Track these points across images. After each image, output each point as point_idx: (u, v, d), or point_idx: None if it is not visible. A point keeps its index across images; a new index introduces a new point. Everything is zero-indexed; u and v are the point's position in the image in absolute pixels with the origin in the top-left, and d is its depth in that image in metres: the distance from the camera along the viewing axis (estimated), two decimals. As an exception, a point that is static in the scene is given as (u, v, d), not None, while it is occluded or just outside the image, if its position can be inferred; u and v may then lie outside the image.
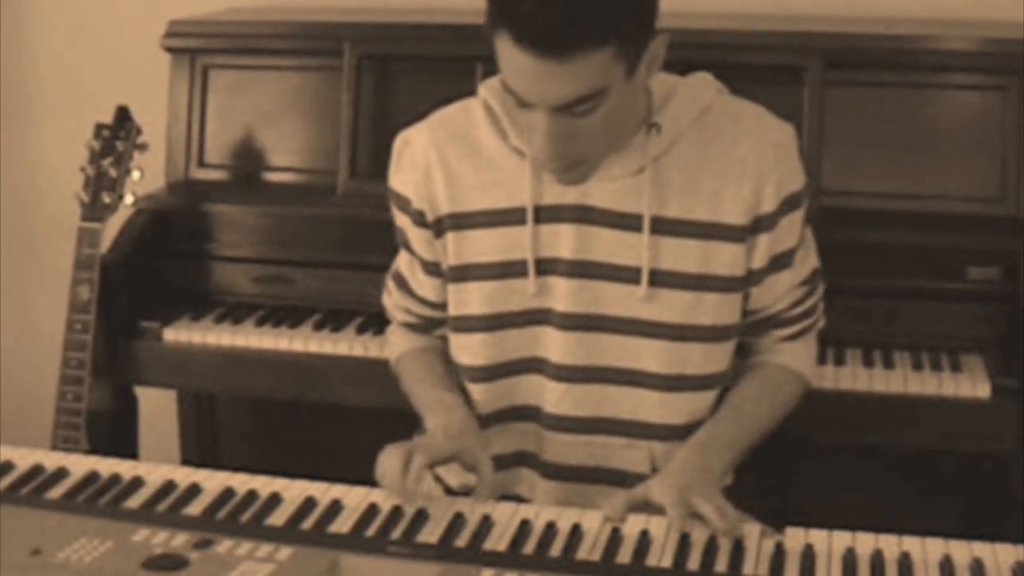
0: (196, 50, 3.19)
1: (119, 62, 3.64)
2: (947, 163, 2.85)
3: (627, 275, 2.07)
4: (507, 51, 1.84)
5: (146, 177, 2.98)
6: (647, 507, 1.94)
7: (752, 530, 1.87)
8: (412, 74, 3.06)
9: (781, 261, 2.12)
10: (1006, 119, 2.80)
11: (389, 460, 1.98)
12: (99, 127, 2.98)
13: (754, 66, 2.82)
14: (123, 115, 2.99)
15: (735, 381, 2.20)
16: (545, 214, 2.08)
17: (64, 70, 3.75)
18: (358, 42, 3.02)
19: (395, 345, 2.38)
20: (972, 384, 2.58)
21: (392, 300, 2.36)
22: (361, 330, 2.89)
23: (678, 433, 2.13)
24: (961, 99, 2.86)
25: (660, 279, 2.06)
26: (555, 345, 2.12)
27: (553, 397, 2.15)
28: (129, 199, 2.95)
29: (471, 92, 2.19)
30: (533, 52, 1.81)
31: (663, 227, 2.05)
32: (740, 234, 2.06)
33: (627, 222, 2.06)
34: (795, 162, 2.10)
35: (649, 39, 1.91)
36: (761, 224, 2.07)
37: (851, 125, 2.87)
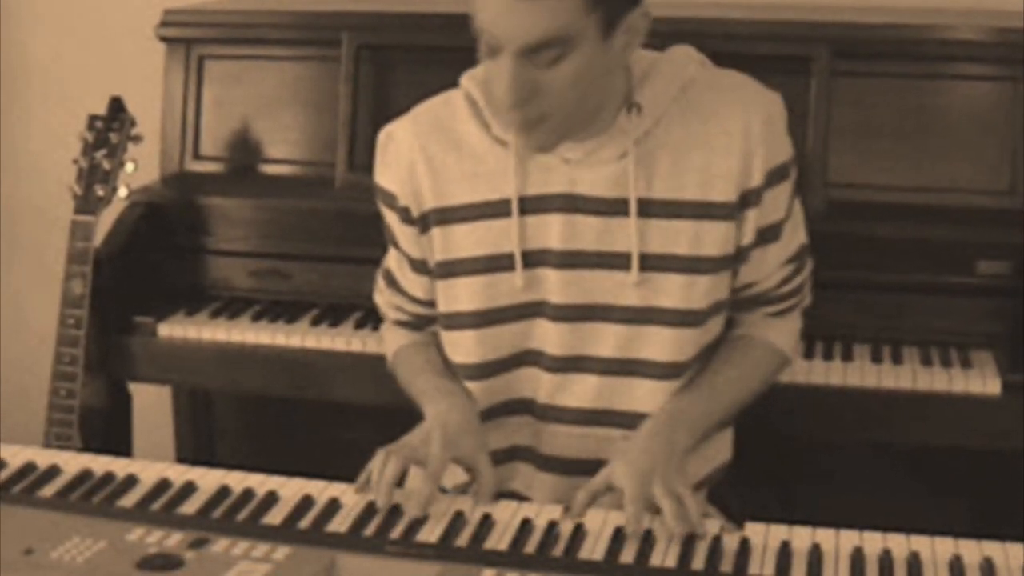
0: (191, 40, 3.19)
1: (113, 52, 3.64)
2: (956, 155, 2.84)
3: (617, 262, 2.06)
4: None
5: (140, 169, 2.98)
6: (610, 491, 1.95)
7: (712, 525, 1.87)
8: (411, 64, 3.06)
9: (768, 234, 2.11)
10: (1016, 110, 2.79)
11: (384, 467, 1.98)
12: (92, 118, 2.97)
13: (760, 56, 2.81)
14: (117, 106, 2.99)
15: (716, 351, 2.19)
16: (531, 205, 2.07)
17: (57, 60, 3.75)
18: (356, 32, 3.02)
19: (390, 343, 2.37)
20: (982, 380, 2.58)
21: (383, 298, 2.36)
22: (359, 325, 2.89)
23: None
24: (970, 90, 2.86)
25: (651, 263, 2.06)
26: (549, 337, 2.12)
27: (548, 388, 2.15)
28: (123, 192, 2.95)
29: (471, 83, 2.18)
30: None
31: (651, 210, 2.04)
32: (730, 211, 2.05)
33: (614, 208, 2.05)
34: (782, 132, 2.08)
35: (629, 5, 1.91)
36: (749, 199, 2.05)
37: (859, 116, 2.87)
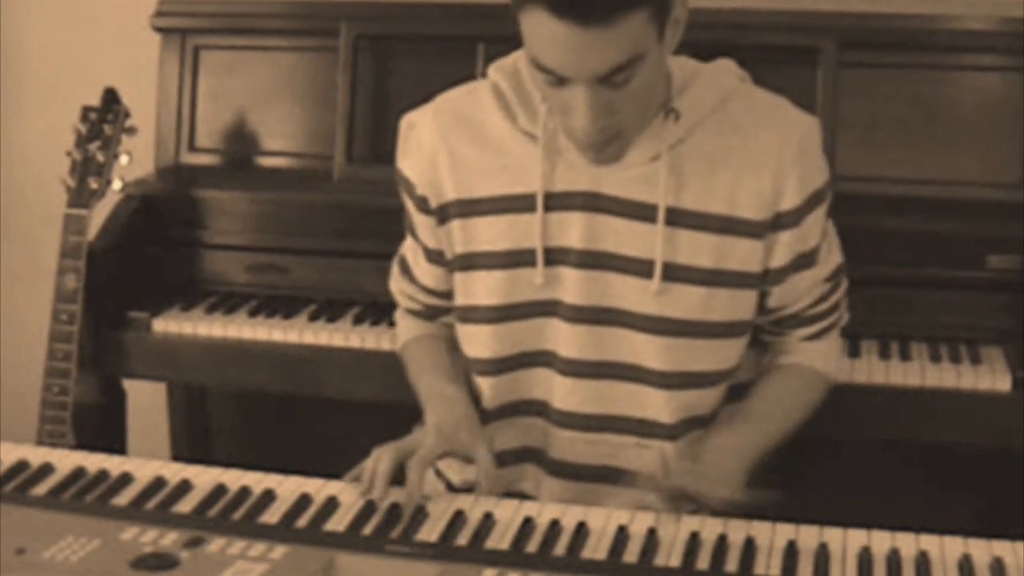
0: (187, 30, 3.19)
1: (107, 42, 3.63)
2: (966, 147, 2.84)
3: (639, 268, 2.06)
4: (542, 26, 1.81)
5: (135, 162, 2.98)
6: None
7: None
8: (411, 55, 3.06)
9: (805, 260, 2.11)
10: (1026, 101, 2.80)
11: (378, 462, 1.98)
12: (86, 110, 2.97)
13: (766, 47, 2.82)
14: (111, 97, 2.98)
15: (758, 381, 2.20)
16: (555, 201, 2.07)
17: (50, 50, 3.74)
18: (355, 21, 3.02)
19: (401, 331, 2.38)
20: (992, 376, 2.57)
21: (397, 286, 2.36)
22: (358, 321, 2.88)
23: (685, 430, 2.13)
24: (980, 81, 2.86)
25: (674, 273, 2.05)
26: (563, 338, 2.11)
27: (561, 392, 2.14)
28: (117, 185, 2.95)
29: (472, 73, 2.19)
30: (572, 22, 1.78)
31: (678, 219, 2.04)
32: (758, 230, 2.05)
33: (640, 212, 2.04)
34: (818, 156, 2.08)
35: (672, 1, 1.90)
36: (783, 221, 2.05)
37: (866, 108, 2.87)
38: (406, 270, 2.31)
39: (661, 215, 2.03)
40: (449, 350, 2.27)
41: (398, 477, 1.98)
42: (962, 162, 2.84)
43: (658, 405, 2.13)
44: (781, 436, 2.15)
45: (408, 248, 2.29)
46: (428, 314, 2.33)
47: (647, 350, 2.09)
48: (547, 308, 2.11)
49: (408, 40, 3.06)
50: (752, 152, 2.03)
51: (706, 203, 2.04)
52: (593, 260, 2.07)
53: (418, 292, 2.30)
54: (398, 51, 3.06)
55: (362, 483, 1.98)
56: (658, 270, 2.04)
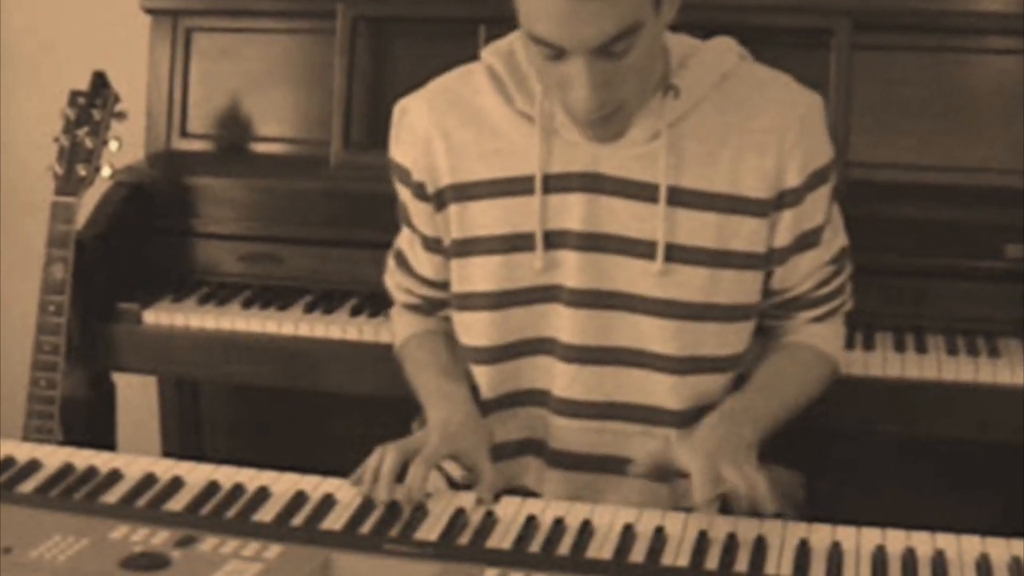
0: (178, 11, 3.18)
1: (96, 24, 3.63)
2: (983, 132, 2.84)
3: (641, 249, 2.06)
4: None
5: (124, 148, 2.97)
6: (668, 472, 1.98)
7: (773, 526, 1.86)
8: (410, 37, 3.05)
9: (808, 240, 2.12)
10: (1046, 85, 2.79)
11: (382, 462, 1.97)
12: (74, 94, 2.97)
13: (779, 28, 2.81)
14: (100, 81, 2.98)
15: (761, 359, 2.19)
16: (553, 183, 2.07)
17: (36, 33, 3.74)
18: (352, 3, 3.01)
19: (399, 329, 2.37)
20: (1011, 370, 2.57)
21: (393, 280, 2.36)
22: (355, 312, 2.88)
23: (692, 418, 2.13)
24: (998, 64, 2.85)
25: (676, 254, 2.06)
26: (564, 324, 2.11)
27: (563, 380, 2.14)
28: (106, 171, 2.95)
29: (473, 56, 2.18)
30: None
31: (679, 198, 2.05)
32: (762, 208, 2.06)
33: (641, 192, 2.05)
34: (822, 134, 2.09)
35: None
36: (786, 199, 2.06)
37: (881, 92, 2.86)
38: (403, 263, 2.31)
39: (662, 194, 2.04)
40: (448, 346, 2.27)
41: (400, 476, 1.98)
42: (980, 148, 2.83)
43: (665, 391, 2.13)
44: (787, 412, 2.14)
45: (404, 239, 2.29)
46: (427, 308, 2.32)
47: (652, 334, 2.10)
48: (547, 293, 2.11)
49: (407, 22, 3.06)
50: (754, 130, 2.04)
51: (708, 182, 2.04)
52: (594, 242, 2.07)
53: (417, 284, 2.30)
54: (397, 33, 3.06)
55: (363, 483, 1.97)
56: (660, 251, 2.05)
